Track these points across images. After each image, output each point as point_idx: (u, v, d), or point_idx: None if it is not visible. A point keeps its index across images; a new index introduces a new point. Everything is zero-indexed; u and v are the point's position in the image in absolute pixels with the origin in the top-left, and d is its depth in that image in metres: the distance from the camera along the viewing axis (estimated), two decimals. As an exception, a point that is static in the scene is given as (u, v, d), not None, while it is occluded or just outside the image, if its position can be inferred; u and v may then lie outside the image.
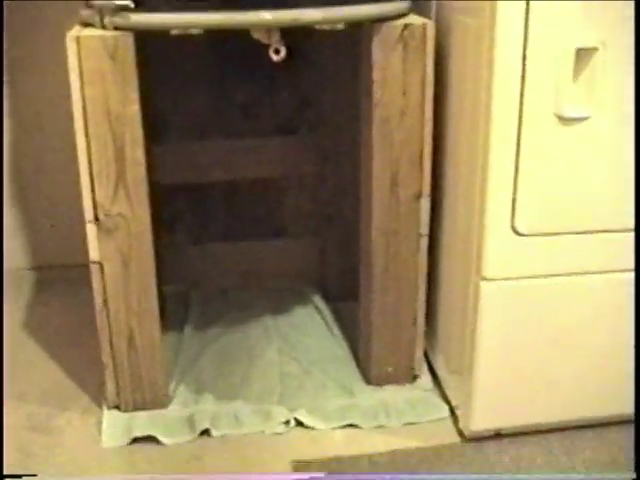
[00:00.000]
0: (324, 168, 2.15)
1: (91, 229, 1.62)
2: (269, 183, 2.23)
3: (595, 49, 1.44)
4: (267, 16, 1.43)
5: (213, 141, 2.15)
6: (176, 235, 2.26)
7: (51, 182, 2.40)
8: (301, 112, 2.16)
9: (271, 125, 2.17)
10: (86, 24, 1.57)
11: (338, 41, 1.71)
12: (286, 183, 2.24)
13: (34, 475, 1.52)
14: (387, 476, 1.54)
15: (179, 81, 2.10)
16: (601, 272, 1.59)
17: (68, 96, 1.54)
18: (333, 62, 2.01)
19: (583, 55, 1.44)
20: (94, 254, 1.65)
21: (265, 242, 2.30)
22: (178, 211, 2.23)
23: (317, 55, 2.04)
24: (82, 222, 1.63)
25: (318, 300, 2.24)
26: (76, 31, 1.53)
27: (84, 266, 1.71)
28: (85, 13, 1.57)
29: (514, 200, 1.51)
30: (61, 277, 2.43)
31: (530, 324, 1.62)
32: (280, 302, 2.24)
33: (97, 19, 1.52)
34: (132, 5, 1.47)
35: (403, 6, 1.62)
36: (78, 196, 1.61)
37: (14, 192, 2.41)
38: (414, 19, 1.61)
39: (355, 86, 1.75)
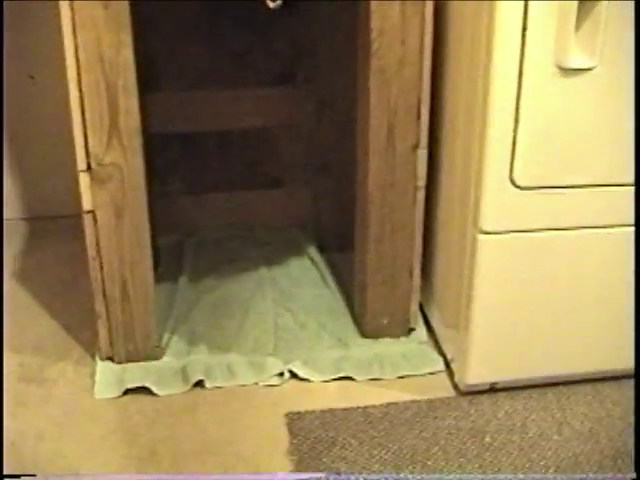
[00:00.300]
0: (320, 118, 2.13)
1: (84, 178, 1.60)
2: (264, 133, 2.21)
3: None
4: (263, -39, 1.41)
5: (208, 90, 2.13)
6: (170, 185, 2.24)
7: (43, 131, 2.37)
8: (297, 61, 2.14)
9: (267, 75, 2.14)
10: (79, -30, 1.54)
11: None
12: (281, 133, 2.23)
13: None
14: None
15: (173, 29, 2.07)
16: (600, 227, 1.58)
17: (60, 43, 1.51)
18: (330, 10, 1.97)
19: (586, 5, 1.42)
20: (87, 204, 1.63)
21: (260, 192, 2.29)
22: (172, 160, 2.21)
23: (314, 3, 2.01)
24: (75, 172, 1.61)
25: (313, 251, 2.22)
26: (69, -23, 1.50)
27: (77, 216, 1.69)
28: (77, -42, 1.54)
29: (513, 152, 1.49)
30: (54, 228, 2.41)
31: (527, 278, 1.60)
32: (275, 253, 2.23)
33: (90, -35, 1.49)
34: (127, -48, 1.44)
35: (403, -47, 1.59)
36: (71, 145, 1.58)
37: (6, 142, 2.38)
38: (413, -34, 1.59)
39: (352, 34, 1.72)
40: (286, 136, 2.23)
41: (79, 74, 1.52)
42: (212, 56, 2.10)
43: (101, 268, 1.69)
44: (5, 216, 2.44)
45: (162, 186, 2.20)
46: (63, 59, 1.52)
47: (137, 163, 1.60)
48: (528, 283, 1.61)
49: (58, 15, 1.48)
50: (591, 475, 1.54)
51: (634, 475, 1.40)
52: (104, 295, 1.72)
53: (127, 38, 1.50)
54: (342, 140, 2.03)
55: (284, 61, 2.14)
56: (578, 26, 1.43)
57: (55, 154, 2.36)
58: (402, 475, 1.52)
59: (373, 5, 1.55)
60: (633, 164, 1.52)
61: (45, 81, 2.31)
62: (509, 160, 1.49)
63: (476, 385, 1.71)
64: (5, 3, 2.19)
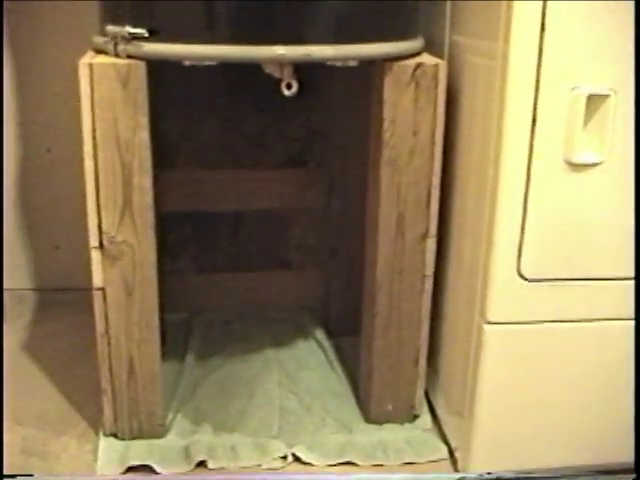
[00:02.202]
0: (330, 201, 2.14)
1: (96, 255, 1.62)
2: (275, 214, 2.23)
3: (606, 96, 1.44)
4: (280, 51, 1.43)
5: (221, 170, 2.15)
6: (180, 263, 2.26)
7: (56, 204, 2.39)
8: (310, 145, 2.17)
9: (279, 157, 2.17)
10: (99, 51, 1.58)
11: (349, 76, 1.71)
12: (292, 215, 2.25)
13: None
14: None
15: (189, 108, 2.10)
16: (606, 319, 1.58)
17: (78, 119, 1.54)
18: (344, 96, 2.01)
19: (594, 101, 1.44)
20: (98, 280, 1.64)
21: (269, 273, 2.30)
22: (183, 239, 2.23)
23: (328, 88, 2.05)
24: (86, 245, 1.62)
25: (320, 334, 2.23)
26: (89, 58, 1.53)
27: (86, 290, 1.71)
28: (98, 40, 1.58)
29: (521, 244, 1.50)
30: (63, 300, 2.42)
31: (532, 369, 1.61)
32: (282, 334, 2.23)
33: (111, 47, 1.52)
34: (146, 34, 1.47)
35: (416, 45, 1.62)
36: (83, 219, 1.60)
37: (18, 213, 2.41)
38: (426, 58, 1.61)
39: (365, 121, 1.74)
40: (297, 218, 2.25)
41: (95, 152, 1.54)
42: (226, 137, 2.13)
43: (109, 344, 1.70)
44: (15, 286, 2.46)
45: (172, 264, 2.22)
46: (80, 134, 1.54)
47: (149, 242, 1.62)
48: (534, 374, 1.61)
49: (77, 92, 1.51)
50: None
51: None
52: (110, 371, 1.72)
53: (144, 120, 1.53)
54: (352, 224, 2.05)
55: (297, 144, 2.17)
56: (586, 121, 1.45)
57: (67, 226, 2.38)
58: None
59: (386, 94, 1.58)
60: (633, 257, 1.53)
61: (61, 154, 2.34)
62: (517, 252, 1.50)
63: (479, 475, 1.71)
64: (24, 74, 2.24)
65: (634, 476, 1.42)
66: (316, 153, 2.17)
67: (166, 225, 2.03)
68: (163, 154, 1.98)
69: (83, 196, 1.58)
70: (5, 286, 2.38)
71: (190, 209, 2.18)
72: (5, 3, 2.17)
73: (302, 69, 1.51)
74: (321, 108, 2.10)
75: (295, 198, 2.20)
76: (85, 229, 1.61)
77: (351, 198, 2.06)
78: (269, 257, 2.29)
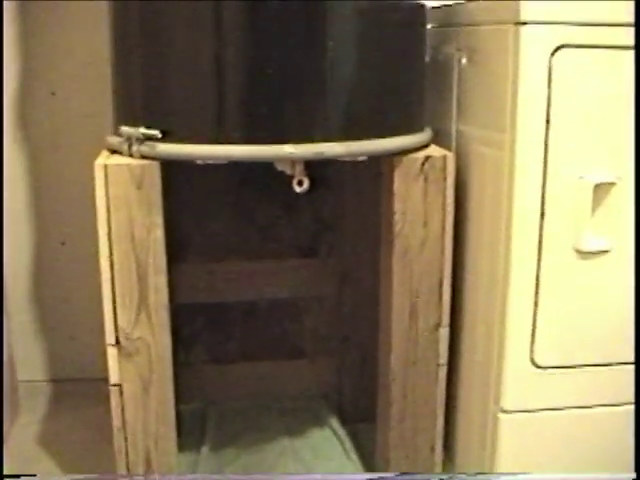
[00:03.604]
0: (342, 290, 2.16)
1: (112, 352, 1.63)
2: (287, 304, 2.25)
3: (612, 184, 1.46)
4: (291, 150, 1.46)
5: (232, 262, 2.17)
6: (194, 353, 2.26)
7: (71, 295, 2.41)
8: (320, 235, 2.19)
9: (290, 247, 2.19)
10: (113, 151, 1.61)
11: (358, 167, 1.74)
12: (304, 304, 2.26)
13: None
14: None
15: (200, 201, 2.12)
16: (621, 404, 1.59)
17: (91, 213, 1.56)
18: (353, 186, 2.03)
19: (601, 189, 1.46)
20: (114, 377, 1.65)
21: (282, 362, 2.30)
22: (196, 330, 2.24)
23: (338, 180, 2.07)
24: (101, 336, 1.63)
25: (335, 422, 2.22)
26: (103, 158, 1.56)
27: (101, 380, 1.71)
28: (113, 140, 1.61)
29: (533, 333, 1.51)
30: (78, 391, 2.42)
31: (549, 455, 1.61)
32: (297, 423, 2.22)
33: (125, 147, 1.55)
34: (159, 135, 1.50)
35: (424, 137, 1.65)
36: (97, 310, 1.62)
37: (33, 304, 2.43)
38: (435, 150, 1.64)
39: (374, 209, 1.77)
40: (309, 307, 2.26)
41: (111, 251, 1.56)
42: (237, 228, 2.15)
43: (125, 440, 1.70)
44: (29, 378, 2.46)
45: (186, 354, 2.23)
46: (93, 228, 1.56)
47: (165, 339, 1.63)
48: (550, 460, 1.61)
49: (91, 187, 1.54)
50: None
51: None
52: (127, 466, 1.72)
53: (158, 219, 1.55)
54: (365, 312, 2.06)
55: (308, 234, 2.18)
56: (594, 209, 1.47)
57: (81, 317, 2.40)
58: None
59: (396, 187, 1.61)
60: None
61: (75, 247, 2.36)
62: (529, 341, 1.52)
63: None
64: (39, 167, 2.27)
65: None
66: (326, 242, 2.19)
67: (179, 316, 2.05)
68: (175, 247, 2.00)
69: (97, 288, 1.60)
70: (19, 378, 2.38)
71: (202, 300, 2.19)
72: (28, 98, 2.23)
73: (313, 164, 1.54)
74: (331, 198, 2.13)
75: (307, 287, 2.21)
76: (99, 320, 1.62)
77: (362, 286, 2.07)
78: (282, 346, 2.29)
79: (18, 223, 2.34)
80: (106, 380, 1.67)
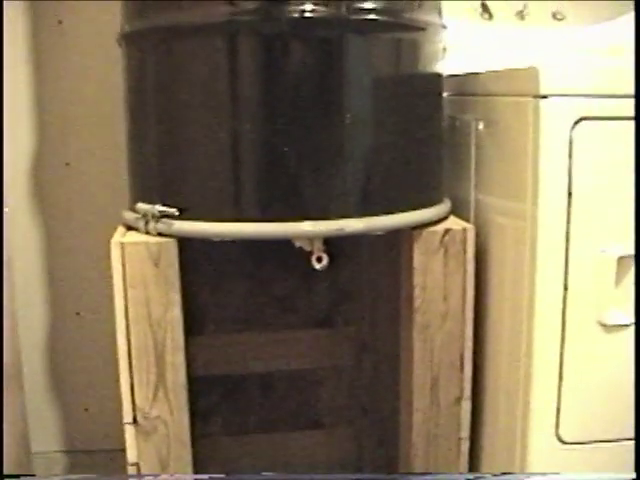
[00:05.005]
0: (360, 361, 2.14)
1: (129, 431, 1.61)
2: (305, 374, 2.22)
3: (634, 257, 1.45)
4: (310, 228, 1.45)
5: (250, 333, 2.15)
6: (211, 425, 2.24)
7: (85, 366, 2.39)
8: (338, 306, 2.17)
9: (308, 318, 2.17)
10: (129, 227, 1.60)
11: (378, 241, 1.72)
12: (322, 375, 2.24)
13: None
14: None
15: (217, 274, 2.11)
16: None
17: (106, 283, 1.56)
18: (371, 257, 2.02)
19: (624, 262, 1.45)
20: (132, 456, 1.63)
21: (300, 434, 2.28)
22: (214, 402, 2.22)
23: (355, 251, 2.06)
24: (116, 408, 1.62)
25: (354, 494, 2.20)
26: (120, 235, 1.55)
27: (116, 451, 1.70)
28: (129, 217, 1.60)
29: (558, 408, 1.49)
30: (93, 462, 2.40)
31: (575, 532, 1.58)
32: (316, 496, 2.20)
33: (141, 224, 1.54)
34: (176, 213, 1.49)
35: (443, 210, 1.64)
36: (112, 381, 1.61)
37: (47, 376, 2.41)
38: (454, 223, 1.63)
39: (392, 280, 1.75)
40: (327, 378, 2.24)
41: (128, 330, 1.55)
42: (254, 300, 2.14)
43: (143, 516, 1.68)
44: (44, 449, 2.44)
45: (203, 427, 2.20)
46: (109, 298, 1.56)
47: (183, 417, 1.61)
48: (576, 536, 1.59)
49: (107, 259, 1.53)
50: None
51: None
52: (145, 543, 1.70)
53: (176, 297, 1.54)
54: (383, 382, 2.04)
55: (325, 305, 2.17)
56: (617, 282, 1.45)
57: (96, 389, 2.38)
58: None
59: (415, 261, 1.59)
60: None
61: (90, 317, 2.35)
62: (555, 416, 1.49)
63: None
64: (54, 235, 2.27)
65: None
66: (344, 312, 2.17)
67: (196, 389, 2.02)
68: (192, 319, 1.98)
69: (112, 359, 1.59)
70: (33, 449, 2.36)
71: (220, 372, 2.17)
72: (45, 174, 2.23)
73: (332, 239, 1.52)
74: (348, 268, 2.11)
75: (324, 358, 2.19)
76: (114, 392, 1.61)
77: (381, 356, 2.05)
78: (300, 417, 2.27)
79: (32, 293, 2.33)
80: (121, 451, 1.66)
